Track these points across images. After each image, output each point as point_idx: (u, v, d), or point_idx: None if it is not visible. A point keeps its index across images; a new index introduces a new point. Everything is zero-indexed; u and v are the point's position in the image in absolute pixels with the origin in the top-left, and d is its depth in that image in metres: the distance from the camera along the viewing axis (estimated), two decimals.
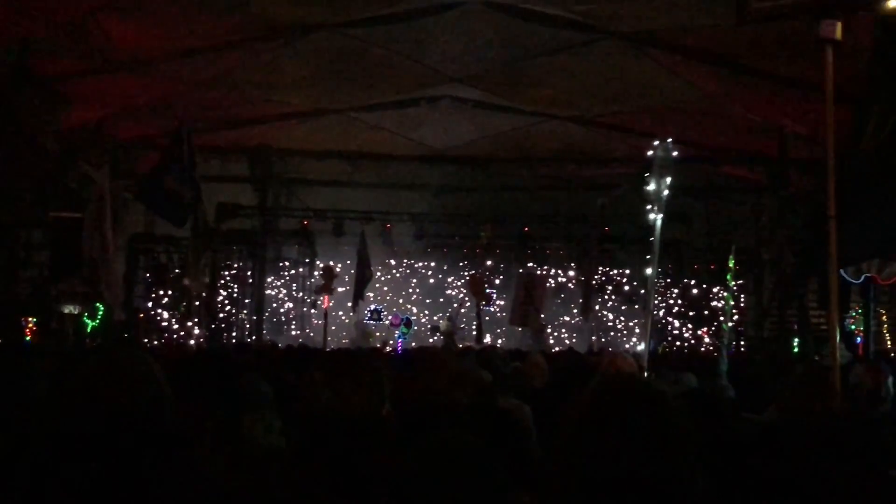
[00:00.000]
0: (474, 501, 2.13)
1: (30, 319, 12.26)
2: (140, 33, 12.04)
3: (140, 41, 12.31)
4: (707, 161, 18.15)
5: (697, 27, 11.84)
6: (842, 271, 12.22)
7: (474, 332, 19.91)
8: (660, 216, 9.88)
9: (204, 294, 16.82)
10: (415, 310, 22.41)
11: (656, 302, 19.70)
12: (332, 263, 20.24)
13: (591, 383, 2.11)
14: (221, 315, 19.32)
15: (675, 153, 10.01)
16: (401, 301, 22.51)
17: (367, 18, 12.73)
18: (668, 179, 10.40)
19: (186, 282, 15.79)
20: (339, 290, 20.59)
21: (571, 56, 13.58)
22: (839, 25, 5.90)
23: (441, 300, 22.51)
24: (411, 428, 2.71)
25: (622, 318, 21.48)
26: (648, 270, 10.14)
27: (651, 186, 10.02)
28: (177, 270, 18.43)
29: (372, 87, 15.30)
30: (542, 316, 19.02)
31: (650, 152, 10.11)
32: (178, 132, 13.58)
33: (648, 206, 10.45)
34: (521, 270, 20.74)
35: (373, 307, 21.23)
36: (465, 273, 21.21)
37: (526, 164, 19.06)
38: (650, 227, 9.56)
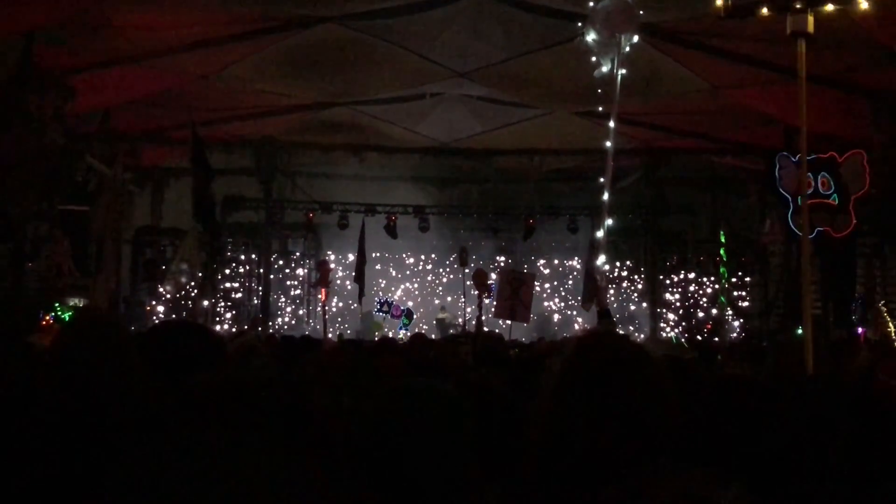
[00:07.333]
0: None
1: (48, 315, 12.20)
2: (145, 24, 12.05)
3: (145, 33, 12.32)
4: (711, 152, 18.15)
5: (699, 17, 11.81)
6: (792, 225, 12.11)
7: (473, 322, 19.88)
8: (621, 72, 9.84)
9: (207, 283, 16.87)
10: (418, 300, 22.49)
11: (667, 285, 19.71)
12: (327, 257, 20.27)
13: (567, 349, 2.00)
14: (228, 307, 19.32)
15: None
16: (399, 295, 22.56)
17: (372, 11, 12.74)
18: (636, 38, 10.39)
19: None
20: (347, 283, 20.69)
21: (575, 49, 13.53)
22: (810, 19, 6.18)
23: (442, 292, 22.65)
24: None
25: (627, 308, 21.49)
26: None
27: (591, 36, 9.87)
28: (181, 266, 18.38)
29: (377, 80, 15.29)
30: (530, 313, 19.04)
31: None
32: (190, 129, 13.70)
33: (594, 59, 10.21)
34: (501, 267, 20.77)
35: (383, 298, 21.21)
36: (452, 260, 21.06)
37: (530, 156, 19.06)
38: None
